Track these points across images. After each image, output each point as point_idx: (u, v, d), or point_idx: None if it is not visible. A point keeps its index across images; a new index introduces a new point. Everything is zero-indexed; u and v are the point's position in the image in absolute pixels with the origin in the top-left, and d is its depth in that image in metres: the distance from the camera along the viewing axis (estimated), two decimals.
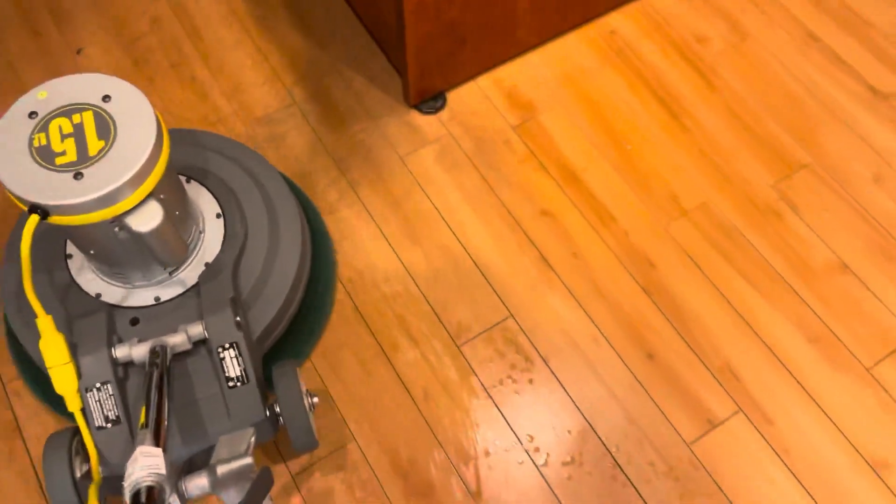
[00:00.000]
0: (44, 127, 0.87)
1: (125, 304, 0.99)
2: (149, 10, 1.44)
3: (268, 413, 0.96)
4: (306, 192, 1.24)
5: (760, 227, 1.21)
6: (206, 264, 1.01)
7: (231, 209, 1.05)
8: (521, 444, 1.07)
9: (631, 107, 1.33)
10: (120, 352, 0.93)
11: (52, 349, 0.88)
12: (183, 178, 1.07)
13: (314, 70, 1.37)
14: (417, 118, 1.32)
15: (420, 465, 1.05)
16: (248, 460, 0.86)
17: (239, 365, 0.95)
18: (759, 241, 1.20)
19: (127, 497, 0.75)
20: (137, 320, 0.98)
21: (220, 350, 0.94)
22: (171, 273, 1.01)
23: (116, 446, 0.92)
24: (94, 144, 0.86)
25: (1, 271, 1.05)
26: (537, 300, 1.16)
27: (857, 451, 1.05)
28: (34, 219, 0.83)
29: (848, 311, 1.15)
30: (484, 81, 1.35)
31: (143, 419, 0.85)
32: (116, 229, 0.89)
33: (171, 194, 0.93)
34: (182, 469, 0.90)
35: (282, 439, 1.06)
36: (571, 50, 1.38)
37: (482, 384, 1.10)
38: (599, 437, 1.07)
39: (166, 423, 0.86)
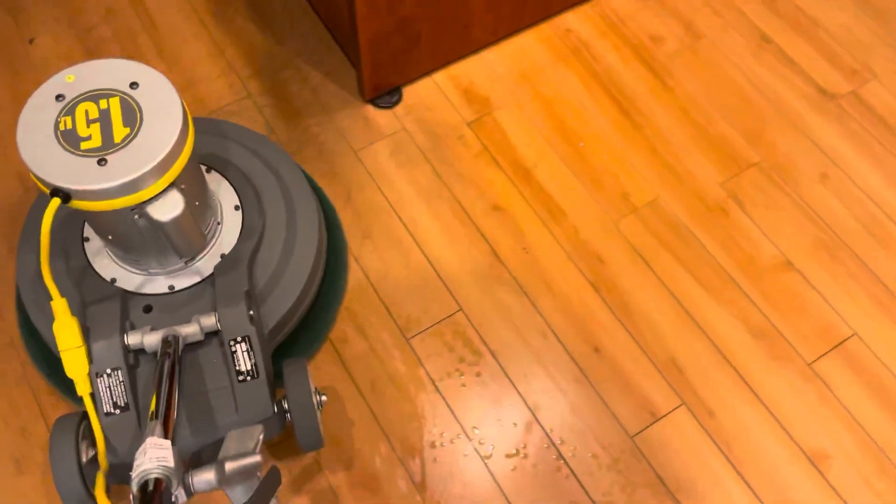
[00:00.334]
0: (70, 111, 0.86)
1: (140, 291, 0.98)
2: (104, 1, 1.43)
3: (275, 409, 0.95)
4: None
5: (709, 224, 1.23)
6: (223, 255, 1.01)
7: (250, 202, 1.05)
8: (467, 436, 1.07)
9: (585, 105, 1.34)
10: (132, 339, 0.92)
11: (66, 332, 0.88)
12: (203, 168, 1.05)
13: (271, 64, 1.37)
14: (373, 113, 1.32)
15: (365, 457, 1.05)
16: (257, 458, 0.84)
17: (250, 359, 0.94)
18: (707, 239, 1.22)
19: (134, 487, 0.75)
20: (151, 308, 0.97)
21: (231, 343, 0.94)
22: (186, 262, 1.00)
23: (123, 433, 0.92)
24: (119, 131, 0.85)
25: (16, 257, 1.04)
26: (487, 294, 1.17)
27: (797, 443, 1.07)
28: (55, 202, 0.82)
29: (791, 308, 1.16)
30: (440, 77, 1.36)
31: (153, 408, 0.84)
32: (136, 217, 0.88)
33: (192, 185, 0.93)
34: (189, 462, 0.90)
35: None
36: (527, 48, 1.39)
37: (430, 377, 1.11)
38: (544, 430, 1.08)
39: (176, 414, 0.85)
